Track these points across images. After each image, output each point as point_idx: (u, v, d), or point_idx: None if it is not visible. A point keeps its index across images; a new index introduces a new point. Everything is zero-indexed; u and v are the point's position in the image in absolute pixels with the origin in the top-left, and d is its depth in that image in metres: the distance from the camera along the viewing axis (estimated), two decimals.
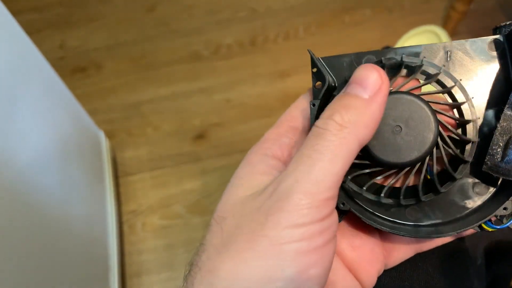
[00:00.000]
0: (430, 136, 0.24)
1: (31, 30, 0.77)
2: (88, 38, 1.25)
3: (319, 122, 0.24)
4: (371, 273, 0.28)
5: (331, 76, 0.27)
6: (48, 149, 0.76)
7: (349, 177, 0.27)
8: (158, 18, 1.26)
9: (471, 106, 0.26)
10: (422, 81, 0.27)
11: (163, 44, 1.22)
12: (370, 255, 0.28)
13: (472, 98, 0.26)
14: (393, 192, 0.27)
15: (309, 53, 0.27)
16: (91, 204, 0.90)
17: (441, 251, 0.30)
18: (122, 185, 1.07)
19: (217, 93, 1.14)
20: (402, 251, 0.28)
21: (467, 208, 0.26)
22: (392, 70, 0.27)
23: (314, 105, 0.26)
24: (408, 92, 0.25)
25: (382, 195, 0.27)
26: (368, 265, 0.27)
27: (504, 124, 0.24)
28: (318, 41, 1.16)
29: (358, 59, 0.27)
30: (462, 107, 0.26)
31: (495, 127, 0.24)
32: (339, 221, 0.27)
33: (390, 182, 0.27)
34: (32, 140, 0.71)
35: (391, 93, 0.25)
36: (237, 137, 1.09)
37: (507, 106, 0.24)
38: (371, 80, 0.24)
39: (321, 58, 0.27)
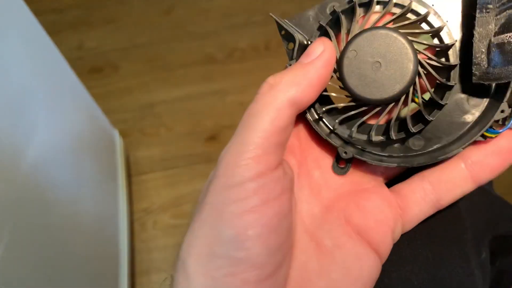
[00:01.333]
0: (410, 66, 0.24)
1: (50, 30, 0.79)
2: (105, 39, 1.28)
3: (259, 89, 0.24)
4: (384, 234, 0.26)
5: (301, 34, 0.27)
6: (63, 145, 0.77)
7: (336, 121, 0.26)
8: (174, 20, 1.28)
9: (448, 29, 0.25)
10: (395, 13, 0.26)
11: (179, 46, 1.23)
12: (379, 213, 0.26)
13: (447, 21, 0.26)
14: (387, 129, 0.27)
15: (272, 17, 0.26)
16: (104, 202, 0.92)
17: (443, 239, 0.29)
18: (134, 184, 1.08)
19: (230, 96, 1.16)
20: (417, 206, 0.26)
21: (468, 123, 0.26)
22: (366, 7, 0.26)
23: (290, 66, 0.26)
24: (382, 27, 0.25)
25: (372, 133, 0.26)
26: (379, 225, 0.26)
27: (480, 29, 0.23)
28: None
29: (322, 9, 0.27)
30: (440, 33, 0.25)
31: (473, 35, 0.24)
32: (344, 172, 0.27)
33: (379, 119, 0.26)
34: (48, 135, 0.73)
35: (364, 30, 0.25)
36: None
37: (477, 10, 0.23)
38: (313, 49, 0.25)
39: (286, 19, 0.27)
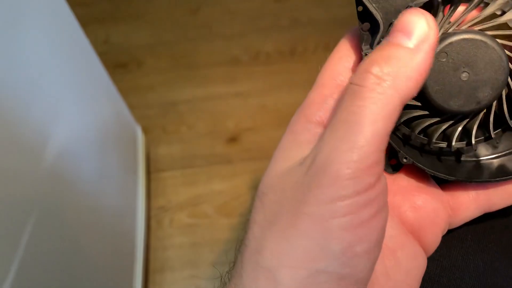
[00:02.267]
0: (501, 79, 0.22)
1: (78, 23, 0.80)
2: (131, 34, 1.29)
3: (354, 78, 0.21)
4: (436, 235, 0.25)
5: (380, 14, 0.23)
6: (89, 136, 0.77)
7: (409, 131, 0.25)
8: (201, 20, 1.28)
9: None
10: (485, 12, 0.23)
11: (204, 46, 1.24)
12: (434, 214, 0.25)
13: None
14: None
15: None
16: (123, 196, 0.92)
17: (496, 248, 0.28)
18: (153, 180, 1.08)
19: (252, 98, 1.15)
20: (468, 208, 0.26)
21: None
22: (451, 2, 0.23)
23: (367, 55, 0.22)
24: (478, 31, 0.22)
25: (453, 144, 0.25)
26: (432, 226, 0.25)
27: None
28: None
29: None
30: None
31: None
32: (396, 172, 0.26)
33: (459, 128, 0.24)
34: (75, 124, 0.73)
35: (459, 32, 0.22)
36: (269, 143, 1.10)
37: None
38: (416, 27, 0.21)
39: None
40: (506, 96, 0.24)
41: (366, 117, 0.20)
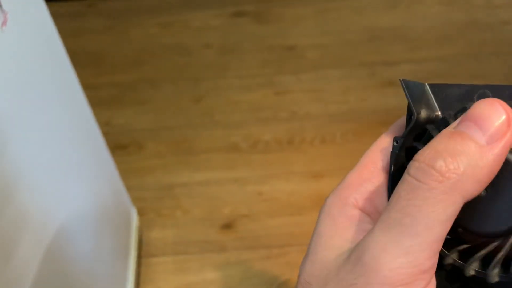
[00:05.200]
0: None
1: None
2: (134, 118, 1.32)
3: (412, 169, 0.19)
4: None
5: (428, 108, 0.22)
6: (86, 215, 0.76)
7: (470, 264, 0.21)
8: (204, 108, 1.33)
9: None
10: None
11: (205, 133, 1.27)
12: None
13: None
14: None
15: (400, 82, 0.22)
16: (112, 280, 0.88)
17: None
18: (143, 266, 1.04)
19: (250, 185, 1.16)
20: None
21: None
22: None
23: (397, 142, 0.22)
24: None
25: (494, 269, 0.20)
26: None
27: None
28: (355, 148, 1.20)
29: (468, 93, 0.21)
30: None
31: None
32: None
33: (501, 254, 0.21)
34: (74, 203, 0.72)
35: None
36: (265, 231, 1.08)
37: None
38: (494, 122, 0.18)
39: (428, 84, 0.22)
40: None
41: (423, 221, 0.18)
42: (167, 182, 1.18)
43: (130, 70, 1.46)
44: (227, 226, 1.10)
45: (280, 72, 1.41)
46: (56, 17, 0.73)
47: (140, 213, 1.09)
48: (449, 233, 0.20)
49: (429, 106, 0.22)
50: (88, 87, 1.39)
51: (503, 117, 0.18)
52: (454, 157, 0.18)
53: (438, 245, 0.19)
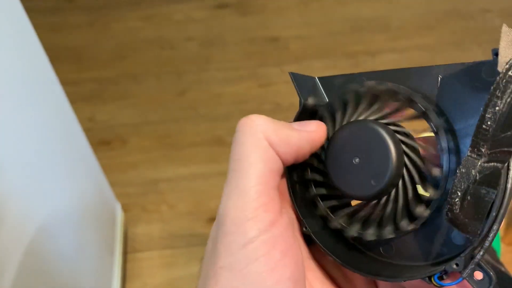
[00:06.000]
0: (389, 163, 0.22)
1: None
2: (117, 113, 1.31)
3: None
4: None
5: (318, 97, 0.25)
6: (68, 212, 0.75)
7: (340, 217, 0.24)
8: (187, 102, 1.32)
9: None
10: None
11: (189, 127, 1.26)
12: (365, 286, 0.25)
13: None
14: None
15: (289, 74, 0.25)
16: (98, 277, 0.87)
17: None
18: (129, 261, 1.04)
19: None
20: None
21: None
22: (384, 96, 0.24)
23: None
24: (371, 120, 0.23)
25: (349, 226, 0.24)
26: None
27: (463, 170, 0.20)
28: None
29: (348, 80, 0.25)
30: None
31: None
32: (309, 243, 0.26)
33: (361, 214, 0.24)
34: (57, 199, 0.71)
35: (354, 122, 0.24)
36: None
37: (469, 148, 0.20)
38: (307, 123, 0.24)
39: (318, 77, 0.26)
40: (402, 188, 0.23)
41: (246, 160, 0.22)
42: (152, 177, 1.17)
43: (112, 65, 1.44)
44: (213, 219, 1.09)
45: (263, 64, 1.41)
46: (36, 12, 0.71)
47: (125, 209, 1.09)
48: (334, 198, 0.25)
49: (319, 95, 0.26)
50: (70, 83, 1.37)
51: (314, 127, 0.24)
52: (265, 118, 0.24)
53: (269, 179, 0.22)
